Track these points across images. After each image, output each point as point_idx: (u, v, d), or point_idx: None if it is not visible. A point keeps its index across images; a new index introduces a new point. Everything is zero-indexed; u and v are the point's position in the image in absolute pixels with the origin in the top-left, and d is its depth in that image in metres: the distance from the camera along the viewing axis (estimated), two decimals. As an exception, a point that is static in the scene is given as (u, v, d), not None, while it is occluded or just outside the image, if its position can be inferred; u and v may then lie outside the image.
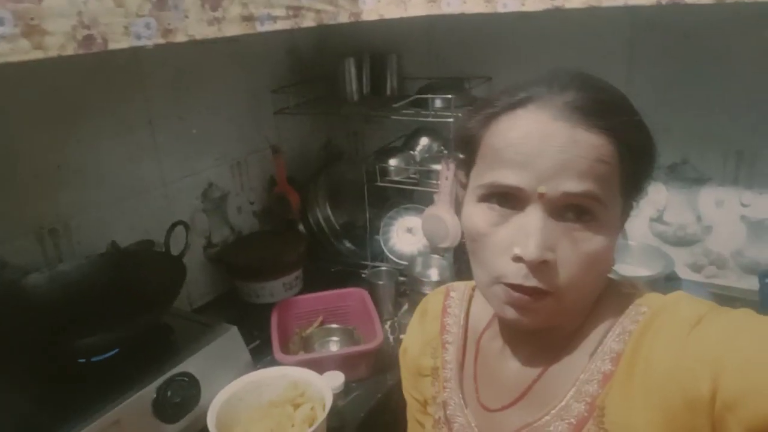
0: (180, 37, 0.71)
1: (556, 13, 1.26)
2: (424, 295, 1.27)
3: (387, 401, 1.09)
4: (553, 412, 0.53)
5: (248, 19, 0.81)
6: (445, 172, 1.28)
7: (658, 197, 1.31)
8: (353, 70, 1.47)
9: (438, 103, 1.32)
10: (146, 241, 1.23)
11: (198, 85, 1.33)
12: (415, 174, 1.41)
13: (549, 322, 0.53)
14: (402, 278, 1.35)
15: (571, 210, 0.50)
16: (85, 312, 0.96)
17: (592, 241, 0.50)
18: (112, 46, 0.64)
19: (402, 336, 1.24)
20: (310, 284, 1.44)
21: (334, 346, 1.19)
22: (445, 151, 1.40)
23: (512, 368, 0.59)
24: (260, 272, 1.37)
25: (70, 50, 0.60)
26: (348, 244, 1.55)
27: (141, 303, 0.95)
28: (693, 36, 1.18)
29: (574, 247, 0.50)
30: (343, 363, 1.06)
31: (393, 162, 1.41)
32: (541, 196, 0.49)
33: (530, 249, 0.48)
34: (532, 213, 0.50)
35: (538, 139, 0.49)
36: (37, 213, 1.06)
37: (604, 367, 0.52)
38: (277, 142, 1.53)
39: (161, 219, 1.21)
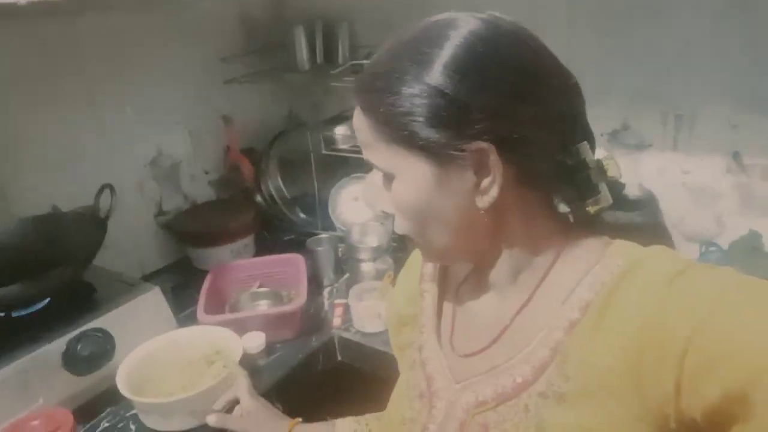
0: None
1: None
2: (362, 261, 1.30)
3: (310, 362, 1.11)
4: (519, 355, 0.55)
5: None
6: (382, 138, 1.28)
7: (601, 164, 1.29)
8: (303, 39, 1.46)
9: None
10: (88, 206, 1.26)
11: (143, 54, 1.35)
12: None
13: (440, 260, 0.66)
14: (342, 245, 1.36)
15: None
16: (12, 270, 0.99)
17: (394, 194, 0.56)
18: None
19: (337, 300, 1.26)
20: (262, 252, 1.46)
21: (262, 309, 1.21)
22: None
23: (487, 315, 0.61)
24: (207, 239, 1.39)
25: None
26: (301, 214, 1.57)
27: (62, 261, 0.98)
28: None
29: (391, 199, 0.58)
30: (265, 324, 1.09)
31: (339, 130, 1.41)
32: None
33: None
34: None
35: None
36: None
37: (571, 315, 0.52)
38: (231, 111, 1.54)
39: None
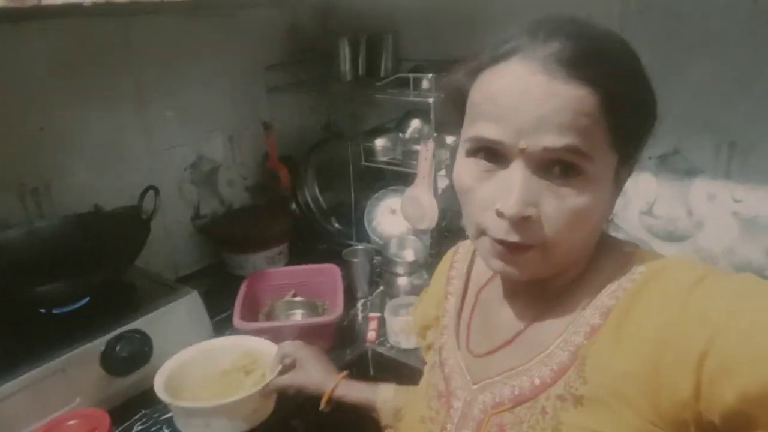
0: (121, -4, 0.73)
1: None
2: (398, 276, 1.29)
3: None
4: (537, 358, 0.55)
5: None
6: (424, 152, 1.26)
7: (647, 189, 1.25)
8: (347, 50, 1.47)
9: (425, 84, 1.31)
10: (130, 206, 1.27)
11: (191, 59, 1.36)
12: (400, 155, 1.40)
13: (537, 273, 0.53)
14: (378, 258, 1.35)
15: (556, 165, 0.49)
16: (54, 267, 1.00)
17: (578, 198, 0.49)
18: (46, 1, 0.66)
19: (371, 313, 1.25)
20: (296, 260, 1.45)
21: (297, 318, 1.20)
22: (435, 134, 1.39)
23: (504, 317, 0.61)
24: (243, 244, 1.39)
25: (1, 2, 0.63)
26: (336, 224, 1.56)
27: (105, 260, 0.99)
28: (685, 19, 1.12)
29: (560, 203, 0.49)
30: (301, 334, 1.07)
31: (379, 142, 1.40)
32: (522, 151, 0.49)
33: (510, 204, 0.48)
34: (514, 169, 0.49)
35: (517, 93, 0.48)
36: (19, 172, 1.11)
37: (592, 320, 0.52)
38: (271, 119, 1.54)
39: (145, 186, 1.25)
